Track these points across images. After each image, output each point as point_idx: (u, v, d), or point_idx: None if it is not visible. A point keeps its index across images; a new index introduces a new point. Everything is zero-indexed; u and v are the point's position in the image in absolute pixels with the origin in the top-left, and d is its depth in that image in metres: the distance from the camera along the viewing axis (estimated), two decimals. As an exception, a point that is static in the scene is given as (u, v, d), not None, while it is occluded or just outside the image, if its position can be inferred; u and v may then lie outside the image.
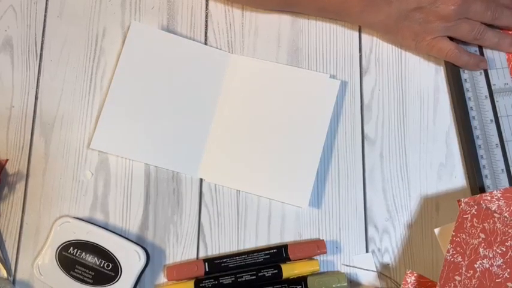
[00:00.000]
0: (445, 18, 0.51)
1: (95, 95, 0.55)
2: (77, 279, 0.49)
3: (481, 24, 0.53)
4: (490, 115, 0.53)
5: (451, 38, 0.53)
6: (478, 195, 0.49)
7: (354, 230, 0.52)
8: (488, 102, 0.53)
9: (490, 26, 0.54)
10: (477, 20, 0.53)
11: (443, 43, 0.53)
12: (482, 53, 0.55)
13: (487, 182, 0.51)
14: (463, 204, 0.48)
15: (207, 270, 0.50)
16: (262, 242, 0.52)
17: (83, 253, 0.50)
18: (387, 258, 0.52)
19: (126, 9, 0.57)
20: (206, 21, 0.57)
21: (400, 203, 0.53)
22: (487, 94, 0.53)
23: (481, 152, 0.52)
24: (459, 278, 0.47)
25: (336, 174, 0.54)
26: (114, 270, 0.49)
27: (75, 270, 0.50)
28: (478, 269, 0.47)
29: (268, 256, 0.51)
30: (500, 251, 0.47)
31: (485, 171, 0.52)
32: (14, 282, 0.51)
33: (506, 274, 0.47)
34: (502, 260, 0.47)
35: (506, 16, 0.53)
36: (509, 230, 0.48)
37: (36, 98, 0.55)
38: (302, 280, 0.50)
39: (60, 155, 0.54)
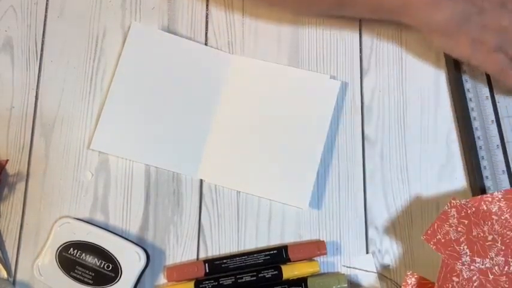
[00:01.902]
0: (506, 30, 0.48)
1: (95, 96, 0.55)
2: (77, 280, 0.49)
3: None
4: (491, 116, 0.53)
5: None
6: (479, 197, 0.49)
7: (354, 231, 0.52)
8: (489, 103, 0.53)
9: None
10: None
11: (500, 58, 0.49)
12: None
13: (488, 183, 0.51)
14: (454, 204, 0.48)
15: (207, 271, 0.50)
16: (262, 243, 0.52)
17: (83, 254, 0.50)
18: (387, 260, 0.52)
19: (126, 9, 0.57)
20: (206, 21, 0.57)
21: (401, 204, 0.53)
22: (488, 95, 0.53)
23: (481, 153, 0.52)
24: (457, 279, 0.47)
25: (336, 175, 0.53)
26: (114, 271, 0.49)
27: (75, 270, 0.50)
28: (476, 271, 0.47)
29: (269, 257, 0.51)
30: (497, 253, 0.47)
31: (486, 172, 0.51)
32: (14, 282, 0.51)
33: (504, 278, 0.47)
34: (503, 260, 0.47)
35: None
36: (508, 232, 0.48)
37: (36, 99, 0.55)
38: (302, 281, 0.49)
39: (60, 156, 0.54)
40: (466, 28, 0.49)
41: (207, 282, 0.50)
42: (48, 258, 0.50)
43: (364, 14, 0.53)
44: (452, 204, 0.48)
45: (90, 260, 0.50)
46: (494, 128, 0.52)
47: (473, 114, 0.53)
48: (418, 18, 0.50)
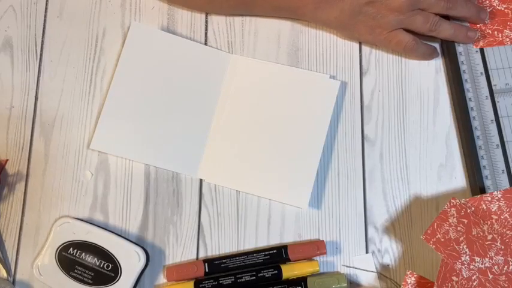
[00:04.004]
0: (398, 11, 0.51)
1: (95, 96, 0.55)
2: (76, 280, 0.49)
3: (436, 15, 0.52)
4: (491, 115, 0.53)
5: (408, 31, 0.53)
6: (479, 196, 0.49)
7: (354, 231, 0.52)
8: (489, 102, 0.53)
9: (445, 17, 0.53)
10: (431, 12, 0.52)
11: (400, 36, 0.53)
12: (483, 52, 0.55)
13: (488, 183, 0.51)
14: (455, 204, 0.48)
15: (206, 270, 0.50)
16: (262, 243, 0.52)
17: (83, 253, 0.50)
18: (387, 259, 0.52)
19: (126, 9, 0.57)
20: (206, 21, 0.57)
21: (400, 204, 0.53)
22: (488, 94, 0.53)
23: (481, 153, 0.52)
24: (456, 279, 0.47)
25: (335, 175, 0.53)
26: (114, 271, 0.49)
27: (75, 270, 0.50)
28: (476, 270, 0.47)
29: (268, 257, 0.51)
30: (497, 253, 0.47)
31: (485, 172, 0.51)
32: (13, 282, 0.51)
33: (504, 277, 0.47)
34: (502, 259, 0.47)
35: (461, 6, 0.53)
36: (507, 232, 0.48)
37: (36, 98, 0.55)
38: (302, 281, 0.49)
39: (60, 155, 0.54)
40: (360, 19, 0.52)
41: (206, 281, 0.50)
42: (47, 258, 0.50)
43: (270, 13, 0.56)
44: (451, 204, 0.48)
45: (90, 259, 0.50)
46: (493, 127, 0.52)
47: (473, 113, 0.53)
48: (314, 18, 0.55)
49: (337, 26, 0.54)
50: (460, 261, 0.47)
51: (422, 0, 0.51)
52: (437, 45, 0.56)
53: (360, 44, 0.56)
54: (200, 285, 0.50)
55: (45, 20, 0.57)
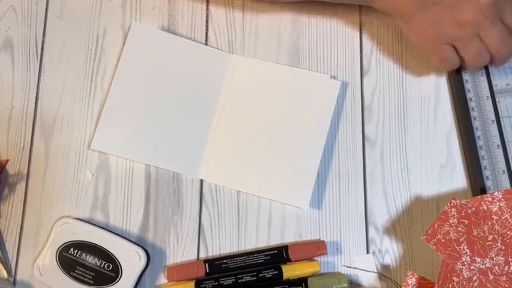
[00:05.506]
0: (461, 26, 0.48)
1: (96, 96, 0.55)
2: (77, 280, 0.49)
3: (487, 53, 0.50)
4: (492, 116, 0.53)
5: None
6: (479, 197, 0.49)
7: (354, 231, 0.52)
8: (489, 102, 0.53)
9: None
10: (486, 43, 0.49)
11: (449, 54, 0.50)
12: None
13: (488, 183, 0.51)
14: (454, 204, 0.48)
15: (207, 271, 0.50)
16: (262, 243, 0.52)
17: (83, 254, 0.50)
18: (388, 260, 0.52)
19: (126, 9, 0.57)
20: (207, 21, 0.57)
21: (401, 204, 0.53)
22: (489, 95, 0.53)
23: (482, 153, 0.52)
24: (457, 279, 0.47)
25: (336, 175, 0.53)
26: (115, 271, 0.49)
27: (76, 271, 0.50)
28: (476, 270, 0.47)
29: (269, 257, 0.51)
30: (497, 254, 0.47)
31: (486, 172, 0.51)
32: (14, 282, 0.51)
33: (505, 278, 0.47)
34: (503, 260, 0.47)
35: (508, 57, 0.50)
36: (508, 232, 0.48)
37: (36, 99, 0.55)
38: (303, 281, 0.49)
39: (60, 156, 0.54)
40: (421, 16, 0.49)
41: (207, 282, 0.50)
42: (48, 258, 0.50)
43: None
44: (452, 204, 0.48)
45: (91, 260, 0.50)
46: (494, 127, 0.52)
47: (474, 114, 0.53)
48: (376, 2, 0.52)
49: (395, 13, 0.51)
50: (460, 261, 0.47)
51: (486, 29, 0.48)
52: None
53: (361, 44, 0.56)
54: (201, 286, 0.50)
55: (45, 20, 0.57)
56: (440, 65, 0.52)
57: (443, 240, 0.48)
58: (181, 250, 0.52)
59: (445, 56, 0.50)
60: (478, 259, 0.47)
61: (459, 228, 0.48)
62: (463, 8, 0.48)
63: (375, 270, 0.51)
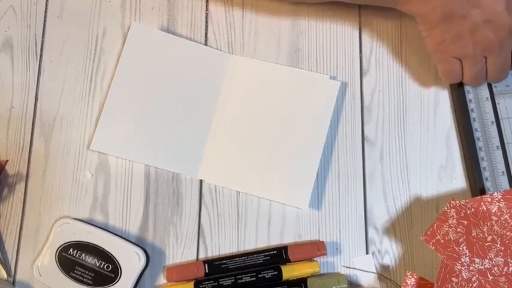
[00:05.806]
0: (476, 44, 0.49)
1: (95, 96, 0.55)
2: (76, 281, 0.49)
3: (489, 73, 0.51)
4: (491, 117, 0.53)
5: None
6: (479, 197, 0.49)
7: (354, 232, 0.52)
8: (489, 104, 0.53)
9: None
10: (487, 69, 0.51)
11: (456, 67, 0.51)
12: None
13: (488, 184, 0.51)
14: (454, 205, 0.48)
15: (206, 271, 0.50)
16: (262, 244, 0.52)
17: (83, 254, 0.50)
18: (387, 260, 0.52)
19: (126, 10, 0.57)
20: (206, 22, 0.57)
21: (401, 205, 0.53)
22: (488, 96, 0.53)
23: (481, 154, 0.52)
24: (456, 280, 0.47)
25: (336, 176, 0.53)
26: (114, 272, 0.49)
27: (75, 271, 0.50)
28: (476, 271, 0.47)
29: (268, 257, 0.51)
30: (497, 254, 0.47)
31: (485, 173, 0.51)
32: (13, 283, 0.51)
33: (504, 278, 0.47)
34: (502, 261, 0.47)
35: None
36: (507, 233, 0.48)
37: (36, 99, 0.55)
38: (302, 282, 0.49)
39: (60, 156, 0.54)
40: (443, 26, 0.49)
41: (206, 282, 0.50)
42: (47, 259, 0.50)
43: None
44: (451, 205, 0.49)
45: (90, 260, 0.50)
46: (494, 129, 0.52)
47: (473, 115, 0.53)
48: (404, 6, 0.51)
49: (421, 20, 0.51)
50: (459, 262, 0.47)
51: (495, 55, 0.50)
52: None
53: (360, 44, 0.56)
54: (200, 286, 0.50)
55: (45, 20, 0.57)
56: (444, 76, 0.52)
57: (442, 241, 0.48)
58: (181, 250, 0.52)
59: (451, 69, 0.51)
60: (477, 260, 0.47)
61: (458, 229, 0.48)
62: (486, 28, 0.49)
63: (375, 271, 0.51)
